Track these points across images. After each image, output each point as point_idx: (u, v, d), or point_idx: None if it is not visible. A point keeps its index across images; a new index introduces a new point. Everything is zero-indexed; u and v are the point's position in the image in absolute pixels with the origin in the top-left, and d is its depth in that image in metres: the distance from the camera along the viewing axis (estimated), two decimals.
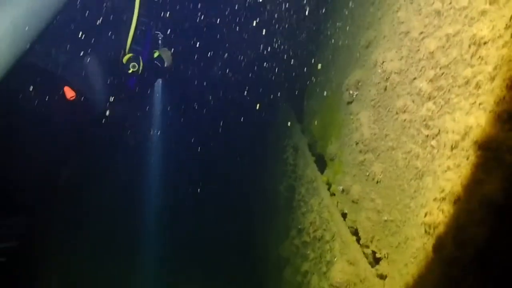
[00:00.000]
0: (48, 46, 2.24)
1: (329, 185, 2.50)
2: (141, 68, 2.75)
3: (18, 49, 1.89)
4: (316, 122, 3.28)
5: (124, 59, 2.74)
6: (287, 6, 3.97)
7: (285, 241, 3.33)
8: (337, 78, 2.85)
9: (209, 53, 4.18)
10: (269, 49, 4.17)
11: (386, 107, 1.72)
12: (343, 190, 2.14)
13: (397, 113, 1.61)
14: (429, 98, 1.37)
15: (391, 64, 1.66)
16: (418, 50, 1.47)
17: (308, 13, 3.71)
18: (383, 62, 1.74)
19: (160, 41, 3.09)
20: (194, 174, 5.18)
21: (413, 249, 1.47)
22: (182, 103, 4.90)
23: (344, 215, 2.14)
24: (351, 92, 2.28)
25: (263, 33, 4.28)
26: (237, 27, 4.28)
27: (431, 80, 1.37)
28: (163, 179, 5.44)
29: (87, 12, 2.41)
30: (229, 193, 4.74)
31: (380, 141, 1.76)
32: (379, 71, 1.78)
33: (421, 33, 1.46)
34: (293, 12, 4.00)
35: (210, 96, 4.77)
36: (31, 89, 2.19)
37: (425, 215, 1.31)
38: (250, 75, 4.47)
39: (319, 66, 3.47)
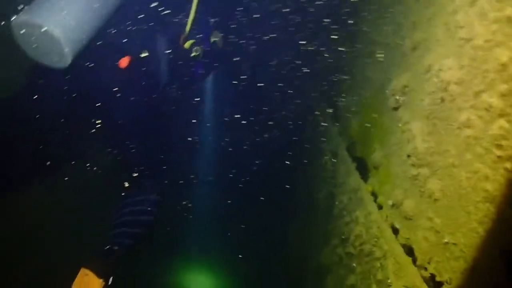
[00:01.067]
0: (118, 24, 2.29)
1: (374, 195, 2.36)
2: (201, 53, 2.78)
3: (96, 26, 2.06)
4: (354, 123, 3.14)
5: (187, 45, 2.73)
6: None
7: (325, 248, 3.22)
8: (378, 78, 2.70)
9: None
10: (305, 44, 4.02)
11: (444, 119, 1.57)
12: (393, 205, 2.01)
13: (459, 128, 1.46)
14: (502, 115, 1.23)
15: (450, 73, 1.51)
16: (485, 60, 1.32)
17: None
18: (439, 70, 1.59)
19: (212, 27, 3.08)
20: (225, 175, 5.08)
21: (484, 279, 1.34)
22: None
23: (395, 230, 2.01)
24: (397, 97, 2.14)
25: (300, 23, 4.13)
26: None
27: (503, 95, 1.22)
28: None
29: None
30: (262, 199, 4.64)
31: (438, 156, 1.62)
32: (434, 79, 1.63)
33: (488, 41, 1.31)
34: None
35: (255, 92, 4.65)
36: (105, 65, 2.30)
37: (500, 246, 1.18)
38: (286, 71, 4.32)
39: (356, 63, 3.32)
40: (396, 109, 2.17)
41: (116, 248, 2.24)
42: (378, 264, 2.04)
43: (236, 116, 4.21)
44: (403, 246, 1.91)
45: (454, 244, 1.52)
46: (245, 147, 4.62)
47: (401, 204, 1.94)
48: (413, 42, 2.05)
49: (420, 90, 1.83)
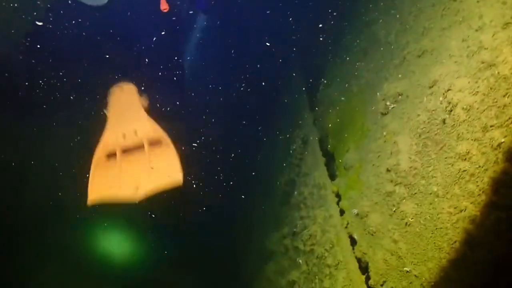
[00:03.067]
0: None
1: (338, 197, 2.25)
2: None
3: None
4: (331, 115, 2.99)
5: None
6: None
7: (273, 234, 3.12)
8: (369, 76, 2.54)
9: None
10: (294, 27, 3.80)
11: (439, 144, 1.44)
12: (357, 214, 1.89)
13: (454, 157, 1.33)
14: (509, 159, 1.10)
15: (459, 96, 1.36)
16: (507, 93, 1.17)
17: None
18: (447, 89, 1.43)
19: None
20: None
21: None
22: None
23: (352, 241, 1.90)
24: (388, 103, 1.99)
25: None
26: None
27: None
28: None
29: None
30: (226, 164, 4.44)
31: (421, 180, 1.49)
32: (439, 98, 1.48)
33: None
34: None
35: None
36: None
37: None
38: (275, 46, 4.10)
39: (348, 53, 3.13)
40: (383, 114, 2.02)
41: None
42: (327, 271, 1.94)
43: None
44: (358, 260, 1.81)
45: (416, 276, 1.42)
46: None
47: (366, 216, 1.83)
48: (420, 49, 1.89)
49: (417, 103, 1.68)
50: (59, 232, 3.80)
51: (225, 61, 4.21)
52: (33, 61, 2.37)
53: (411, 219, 1.50)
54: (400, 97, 1.91)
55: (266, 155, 3.95)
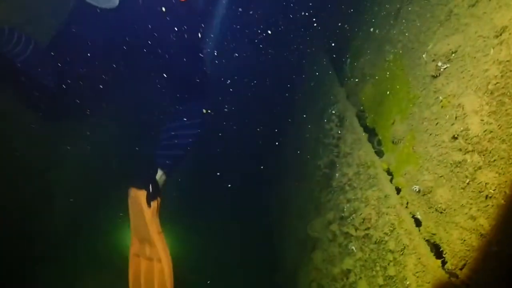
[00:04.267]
0: None
1: (390, 175, 2.04)
2: None
3: None
4: (366, 88, 2.77)
5: None
6: None
7: (316, 220, 2.94)
8: (406, 40, 2.30)
9: None
10: None
11: None
12: (419, 191, 1.69)
13: None
14: None
15: None
16: None
17: None
18: None
19: None
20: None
21: None
22: None
23: (417, 222, 1.70)
24: (439, 64, 1.76)
25: None
26: None
27: None
28: None
29: None
30: (256, 158, 4.29)
31: (500, 144, 1.28)
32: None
33: None
34: None
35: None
36: None
37: None
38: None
39: (375, 19, 2.90)
40: (434, 77, 1.80)
41: (158, 168, 2.41)
42: (391, 257, 1.75)
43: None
44: (426, 241, 1.61)
45: (507, 255, 1.22)
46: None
47: (430, 192, 1.62)
48: None
49: (481, 57, 1.45)
50: (93, 235, 3.75)
51: (246, 45, 4.00)
52: (59, 64, 2.37)
53: (492, 190, 1.29)
54: (454, 54, 1.68)
55: (297, 138, 3.75)
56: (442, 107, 1.67)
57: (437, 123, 1.67)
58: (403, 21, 2.47)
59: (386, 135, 2.23)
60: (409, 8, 2.40)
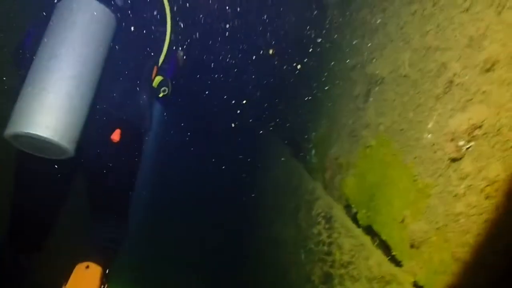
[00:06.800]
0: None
1: None
2: (170, 90, 2.57)
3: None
4: (348, 181, 2.41)
5: (155, 83, 2.51)
6: None
7: None
8: (394, 118, 2.02)
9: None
10: None
11: None
12: None
13: None
14: None
15: None
16: None
17: None
18: None
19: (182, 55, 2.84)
20: None
21: None
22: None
23: None
24: (460, 143, 1.43)
25: None
26: None
27: None
28: None
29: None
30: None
31: None
32: None
33: None
34: None
35: None
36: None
37: None
38: None
39: (339, 100, 2.66)
40: (454, 161, 1.46)
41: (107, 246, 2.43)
42: None
43: None
44: None
45: None
46: None
47: None
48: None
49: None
50: None
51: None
52: None
53: None
54: (481, 130, 1.36)
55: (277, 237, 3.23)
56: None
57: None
58: (377, 101, 2.22)
59: (396, 237, 1.81)
60: (382, 88, 2.17)
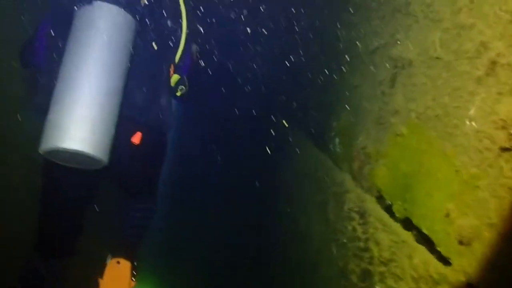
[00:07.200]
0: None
1: None
2: (187, 91, 2.59)
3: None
4: (378, 171, 2.29)
5: (172, 82, 2.51)
6: None
7: None
8: (426, 103, 1.89)
9: None
10: None
11: None
12: None
13: None
14: None
15: None
16: None
17: None
18: None
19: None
20: None
21: None
22: None
23: None
24: None
25: None
26: None
27: None
28: None
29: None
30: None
31: None
32: None
33: None
34: None
35: None
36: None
37: None
38: None
39: (361, 86, 2.53)
40: (509, 149, 1.33)
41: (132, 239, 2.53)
42: None
43: None
44: None
45: None
46: None
47: None
48: None
49: None
50: None
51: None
52: None
53: None
54: None
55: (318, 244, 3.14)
56: None
57: None
58: (406, 86, 2.08)
59: (440, 231, 1.69)
60: (409, 71, 2.03)
